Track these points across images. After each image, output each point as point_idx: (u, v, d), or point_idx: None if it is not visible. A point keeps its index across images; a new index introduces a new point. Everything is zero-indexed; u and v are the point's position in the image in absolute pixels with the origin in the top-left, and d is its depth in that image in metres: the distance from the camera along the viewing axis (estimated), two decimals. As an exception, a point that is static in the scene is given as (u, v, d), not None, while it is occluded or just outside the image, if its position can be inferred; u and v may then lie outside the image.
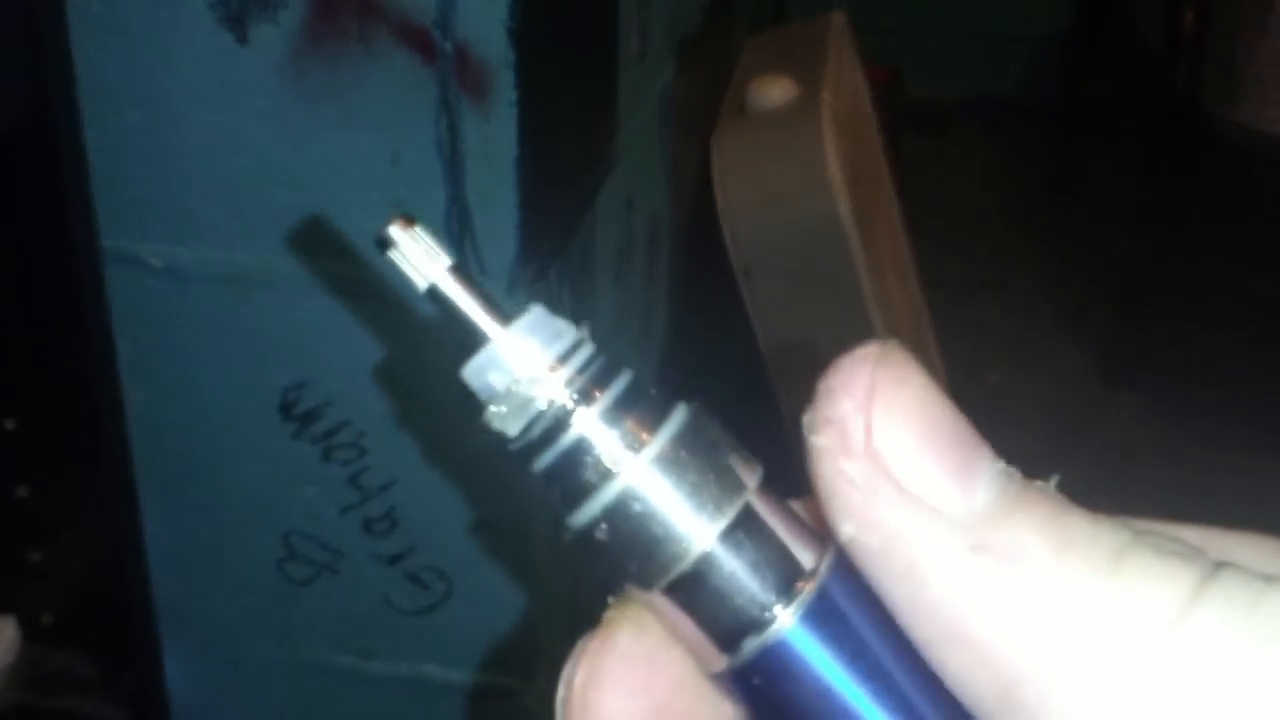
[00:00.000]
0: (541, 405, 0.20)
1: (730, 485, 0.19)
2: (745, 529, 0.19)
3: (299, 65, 0.76)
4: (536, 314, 0.20)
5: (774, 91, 1.29)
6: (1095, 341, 2.21)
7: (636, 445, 0.19)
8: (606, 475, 0.19)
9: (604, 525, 0.19)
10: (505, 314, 0.20)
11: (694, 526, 0.19)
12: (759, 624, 0.19)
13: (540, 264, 0.83)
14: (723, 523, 0.19)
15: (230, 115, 0.78)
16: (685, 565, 0.19)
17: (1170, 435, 1.94)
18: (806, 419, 0.18)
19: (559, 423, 0.20)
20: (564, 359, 0.20)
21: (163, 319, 0.84)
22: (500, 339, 0.20)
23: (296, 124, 0.77)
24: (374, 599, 0.88)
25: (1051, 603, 0.16)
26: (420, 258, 0.20)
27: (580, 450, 0.19)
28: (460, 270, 0.20)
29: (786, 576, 0.19)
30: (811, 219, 1.23)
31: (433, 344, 0.82)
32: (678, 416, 0.20)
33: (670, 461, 0.19)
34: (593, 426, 0.19)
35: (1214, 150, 2.09)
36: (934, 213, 2.48)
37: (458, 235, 0.79)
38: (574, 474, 0.20)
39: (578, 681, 0.19)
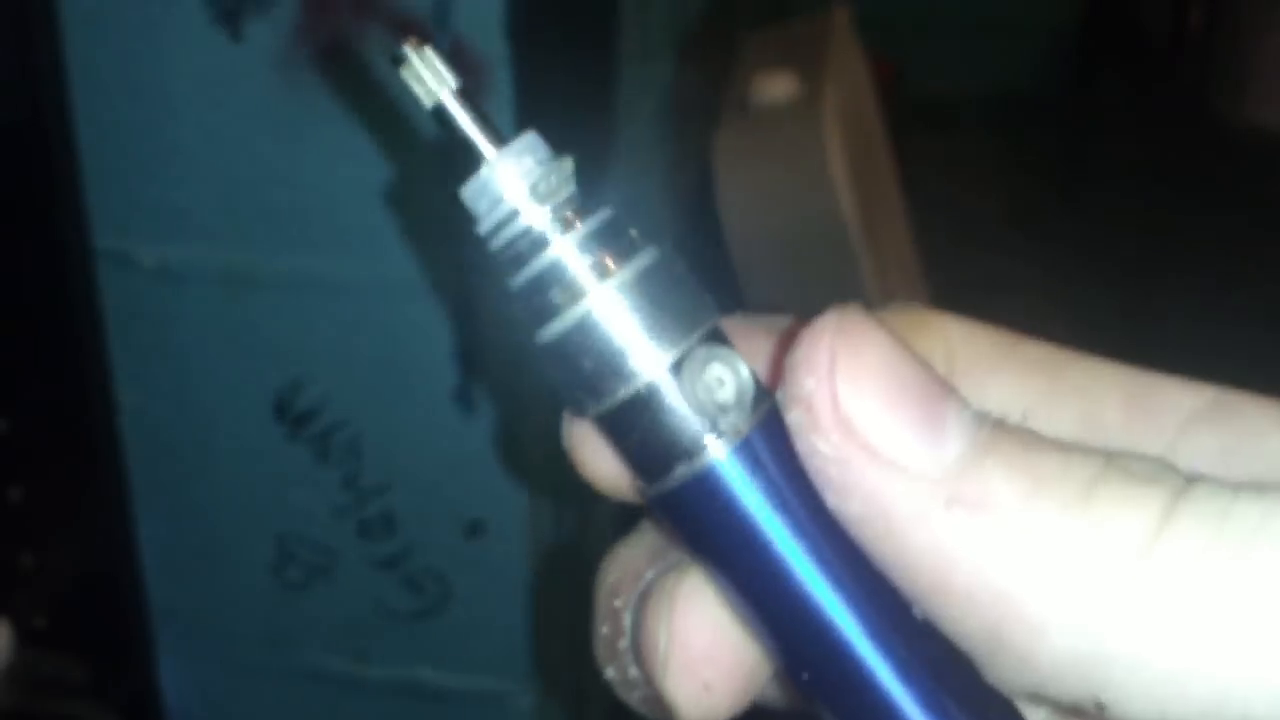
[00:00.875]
0: (521, 227, 0.21)
1: (685, 323, 0.21)
2: (692, 366, 0.20)
3: (293, 62, 0.76)
4: (530, 140, 0.22)
5: (776, 88, 1.28)
6: (1101, 338, 2.19)
7: (604, 273, 0.21)
8: (572, 297, 0.21)
9: (567, 343, 0.21)
10: (502, 138, 0.22)
11: (647, 355, 0.21)
12: (690, 453, 0.20)
13: (537, 263, 0.83)
14: (673, 355, 0.21)
15: (224, 112, 0.77)
16: (636, 387, 0.20)
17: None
18: (779, 395, 0.19)
19: (536, 245, 0.21)
20: (550, 185, 0.22)
21: (155, 319, 0.83)
22: (494, 161, 0.21)
23: (291, 121, 0.77)
24: (369, 603, 0.87)
25: (1026, 545, 0.16)
26: (429, 78, 0.21)
27: (552, 272, 0.21)
28: (465, 93, 0.21)
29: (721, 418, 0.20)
30: (814, 217, 1.22)
31: (431, 344, 0.81)
32: (648, 253, 0.22)
33: (633, 292, 0.21)
34: (567, 251, 0.21)
35: (1221, 146, 2.08)
36: (938, 210, 2.47)
37: (454, 233, 0.78)
38: (544, 294, 0.21)
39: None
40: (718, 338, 0.21)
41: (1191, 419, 0.22)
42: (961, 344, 0.23)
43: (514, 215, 0.21)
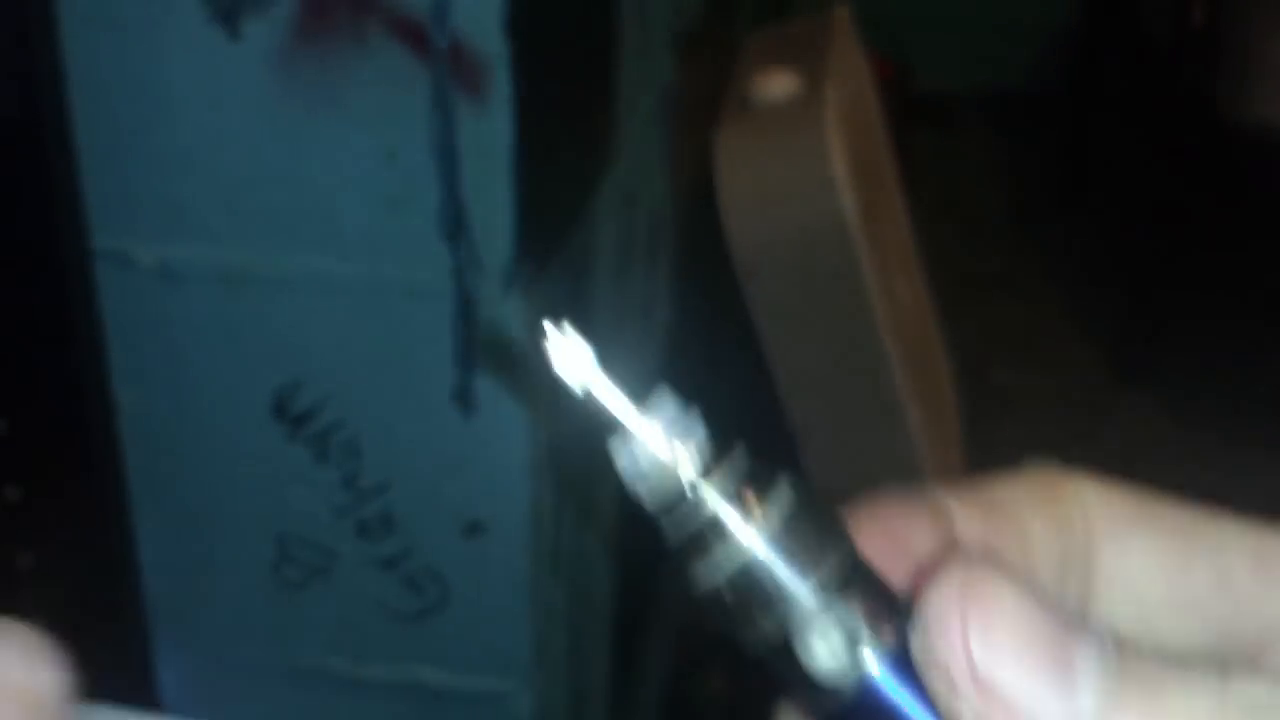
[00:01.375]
0: (676, 486, 0.23)
1: (830, 554, 0.23)
2: (841, 591, 0.22)
3: (291, 61, 0.76)
4: (664, 398, 0.23)
5: (777, 86, 1.27)
6: (1105, 338, 2.19)
7: (751, 518, 0.23)
8: (729, 547, 0.23)
9: (727, 590, 0.23)
10: (640, 400, 0.23)
11: (799, 591, 0.22)
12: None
13: (538, 261, 0.82)
14: (824, 590, 0.22)
15: (222, 111, 0.77)
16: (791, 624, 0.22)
17: (1181, 432, 1.92)
18: (915, 651, 0.20)
19: (689, 501, 0.23)
20: (691, 443, 0.23)
21: (154, 318, 0.83)
22: (639, 427, 0.23)
23: (289, 120, 0.77)
24: (369, 603, 0.87)
25: None
26: (572, 361, 0.24)
27: (707, 525, 0.23)
28: (600, 367, 0.24)
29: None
30: (815, 215, 1.22)
31: (431, 343, 0.81)
32: (784, 490, 0.23)
33: (780, 534, 0.23)
34: (718, 504, 0.23)
35: (1224, 144, 2.08)
36: (940, 208, 2.46)
37: (453, 233, 0.78)
38: (702, 545, 0.23)
39: None
40: (853, 567, 0.23)
41: None
42: (1098, 507, 0.24)
43: (667, 479, 0.23)
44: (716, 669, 1.36)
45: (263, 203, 0.79)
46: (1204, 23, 2.04)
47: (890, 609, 0.22)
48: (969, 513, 0.24)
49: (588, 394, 0.23)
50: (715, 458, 0.23)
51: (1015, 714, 0.19)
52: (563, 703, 0.96)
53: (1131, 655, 0.19)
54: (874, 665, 0.21)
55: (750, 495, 0.23)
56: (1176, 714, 0.18)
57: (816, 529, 0.23)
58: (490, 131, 0.75)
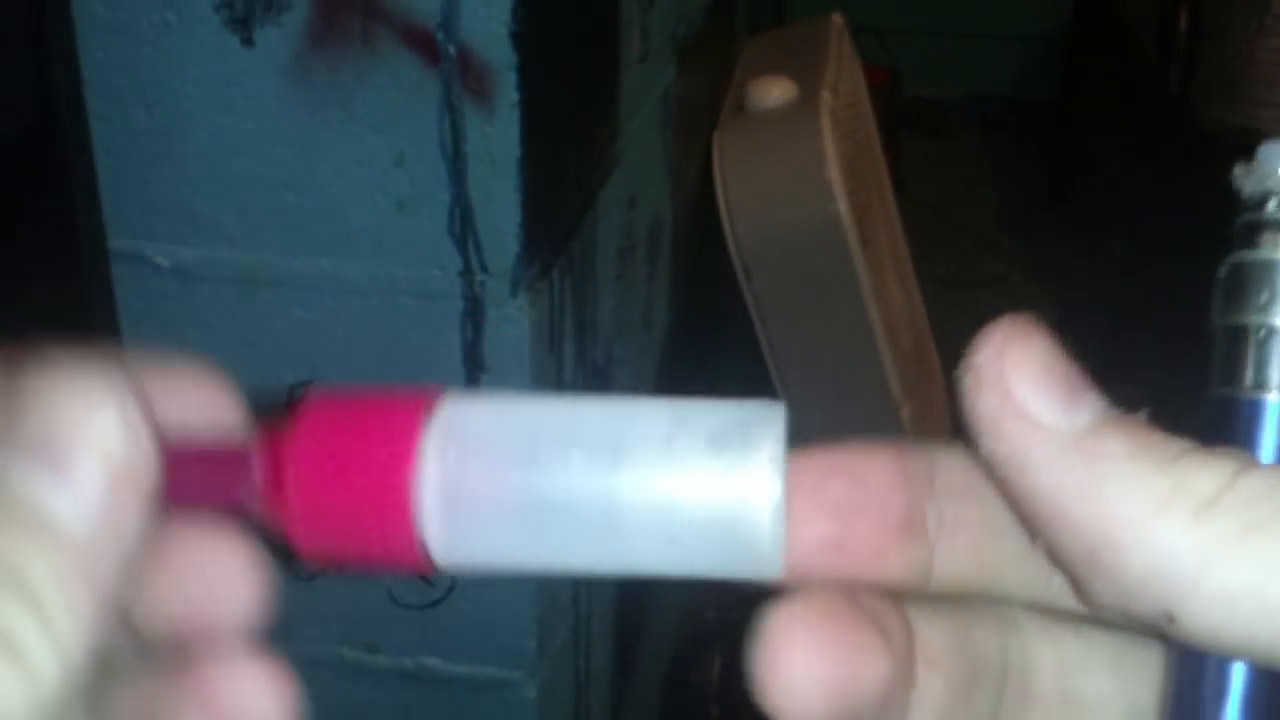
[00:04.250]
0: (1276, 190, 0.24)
1: None
2: None
3: (304, 67, 0.77)
4: None
5: (774, 92, 1.29)
6: (1092, 339, 2.21)
7: None
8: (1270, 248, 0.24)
9: (1234, 270, 0.24)
10: None
11: None
12: None
13: (542, 263, 0.84)
14: None
15: (236, 117, 0.78)
16: None
17: (1169, 432, 1.94)
18: (958, 372, 0.23)
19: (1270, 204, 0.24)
20: None
21: (170, 318, 0.84)
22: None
23: (301, 125, 0.78)
24: (378, 593, 0.88)
25: (1124, 488, 0.21)
26: None
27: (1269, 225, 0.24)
28: None
29: None
30: (811, 218, 1.24)
31: (441, 344, 0.82)
32: None
33: None
34: None
35: (1209, 149, 2.10)
36: (932, 211, 2.49)
37: (460, 235, 0.79)
38: (1250, 237, 0.24)
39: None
40: None
41: None
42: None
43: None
44: (716, 657, 1.38)
45: (275, 205, 0.80)
46: (1189, 27, 2.06)
47: None
48: (949, 478, 0.26)
49: None
50: None
51: (1024, 413, 0.22)
52: (566, 690, 0.97)
53: (1129, 416, 0.23)
54: None
55: None
56: (1152, 439, 0.22)
57: None
58: (497, 137, 0.76)
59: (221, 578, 0.26)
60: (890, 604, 0.24)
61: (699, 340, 1.42)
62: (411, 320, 0.82)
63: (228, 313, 0.83)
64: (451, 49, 0.75)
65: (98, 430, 0.21)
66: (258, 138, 0.79)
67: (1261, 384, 0.23)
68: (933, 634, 0.24)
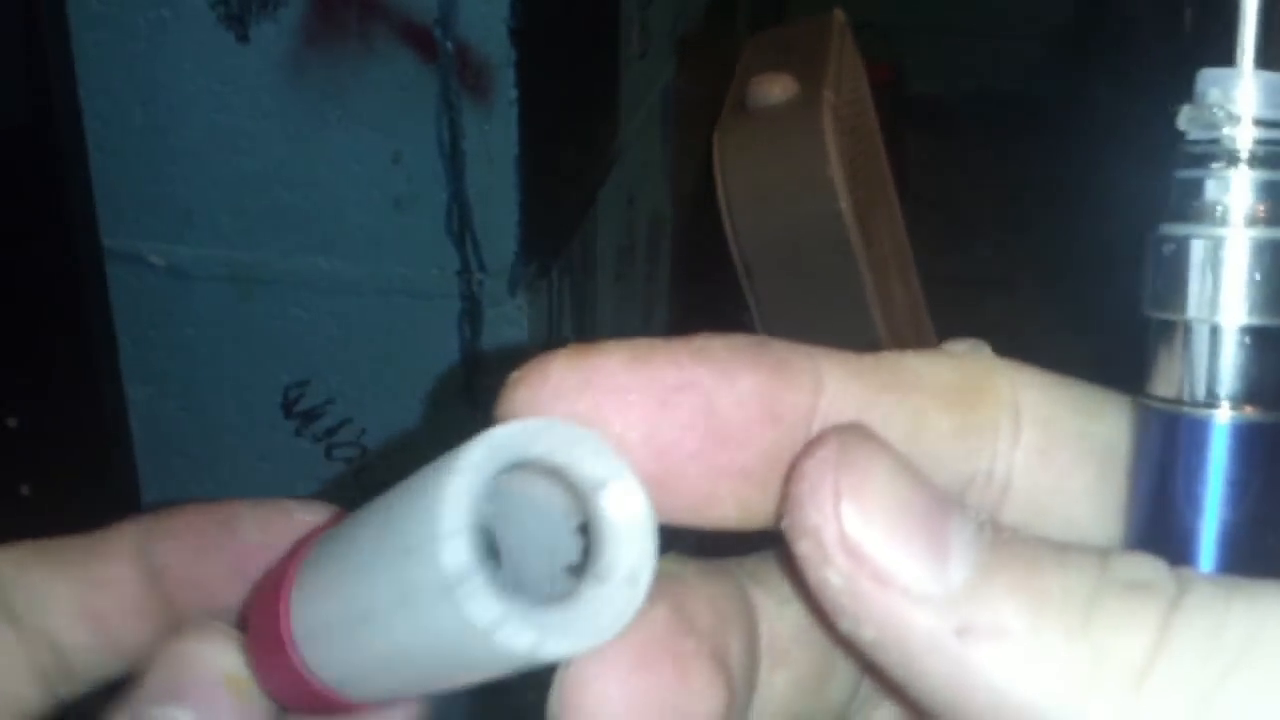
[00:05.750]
0: (1226, 136, 0.20)
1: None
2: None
3: (300, 64, 0.77)
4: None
5: (775, 89, 1.29)
6: (1097, 337, 2.21)
7: (1253, 220, 0.20)
8: (1213, 221, 0.20)
9: (1168, 248, 0.20)
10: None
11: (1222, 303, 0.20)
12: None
13: (541, 262, 0.84)
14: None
15: (231, 114, 0.78)
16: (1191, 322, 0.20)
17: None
18: (785, 527, 0.19)
19: (1223, 159, 0.20)
20: (1272, 124, 0.20)
21: (164, 317, 0.84)
22: (1246, 77, 0.20)
23: (297, 122, 0.78)
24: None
25: (1037, 672, 0.17)
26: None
27: (1213, 190, 0.20)
28: None
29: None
30: (813, 216, 1.23)
31: (437, 342, 0.82)
32: None
33: (1261, 253, 0.20)
34: (1241, 182, 0.20)
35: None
36: (935, 209, 2.48)
37: (458, 234, 0.79)
38: (1193, 202, 0.20)
39: None
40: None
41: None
42: (1035, 420, 0.22)
43: (1233, 122, 0.20)
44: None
45: (271, 204, 0.80)
46: (1194, 24, 2.06)
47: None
48: (843, 388, 0.21)
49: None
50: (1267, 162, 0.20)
51: (884, 582, 0.18)
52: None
53: (1008, 534, 0.18)
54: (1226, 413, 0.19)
55: (1264, 208, 0.20)
56: (1050, 590, 0.18)
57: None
58: (495, 134, 0.76)
59: None
60: (733, 601, 0.20)
61: (700, 339, 1.41)
62: (409, 319, 0.82)
63: (223, 312, 0.83)
64: (449, 46, 0.75)
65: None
66: (253, 135, 0.78)
67: (1210, 399, 0.19)
68: (784, 622, 0.21)
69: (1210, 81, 0.21)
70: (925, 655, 0.18)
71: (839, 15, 1.54)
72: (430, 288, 0.80)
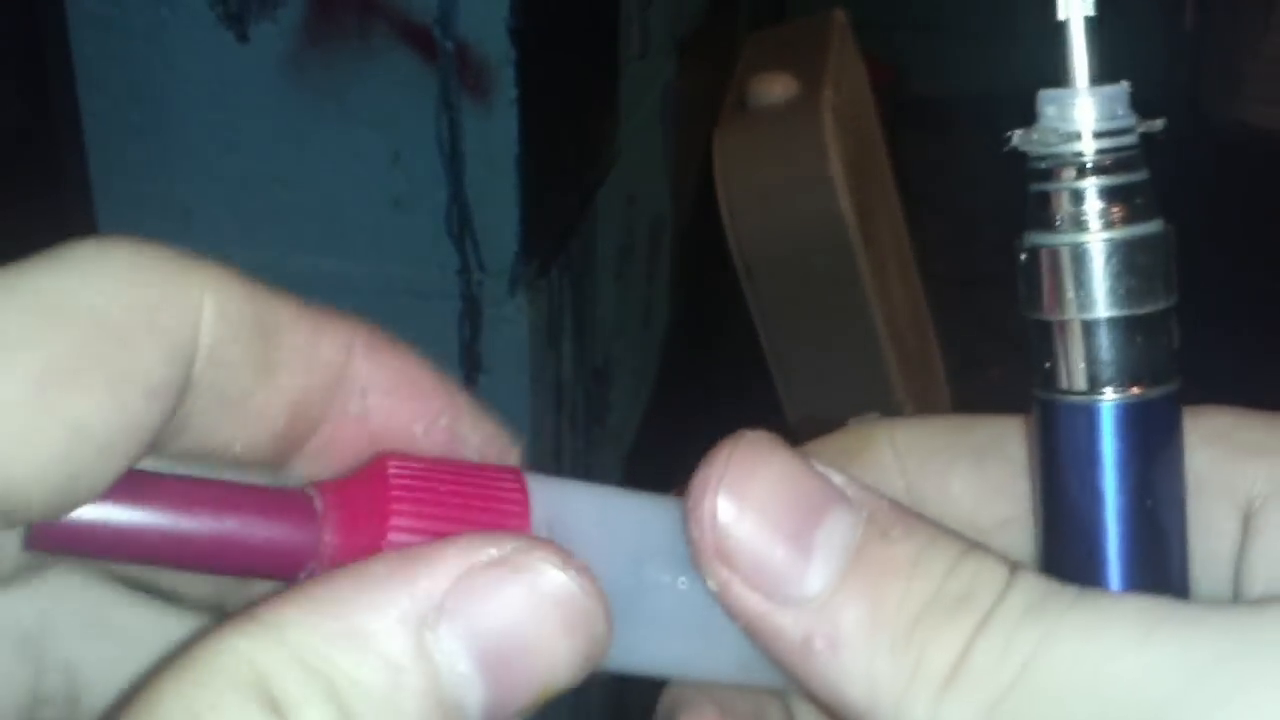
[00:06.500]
0: (1070, 150, 0.22)
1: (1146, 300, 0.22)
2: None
3: (299, 63, 0.77)
4: (1119, 92, 0.22)
5: (775, 88, 1.29)
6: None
7: (1104, 223, 0.22)
8: (1068, 228, 0.22)
9: (1034, 257, 0.22)
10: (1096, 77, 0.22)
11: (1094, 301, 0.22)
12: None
13: (541, 261, 0.84)
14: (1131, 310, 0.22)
15: (230, 113, 0.78)
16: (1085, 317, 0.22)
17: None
18: (687, 509, 0.21)
19: (1069, 169, 0.22)
20: (1108, 134, 0.22)
21: (163, 317, 0.84)
22: (1081, 94, 0.22)
23: (297, 122, 0.78)
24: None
25: (865, 684, 0.19)
26: None
27: (1071, 197, 0.22)
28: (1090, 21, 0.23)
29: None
30: (813, 215, 1.23)
31: (437, 343, 0.82)
32: (1151, 226, 0.22)
33: (1114, 253, 0.22)
34: (1088, 187, 0.22)
35: (1215, 146, 2.09)
36: (935, 208, 2.48)
37: (458, 234, 0.79)
38: (1050, 211, 0.22)
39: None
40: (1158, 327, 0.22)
41: None
42: (913, 448, 0.25)
43: (1071, 139, 0.22)
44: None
45: (270, 203, 0.80)
46: (1196, 24, 2.06)
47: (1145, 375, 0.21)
48: None
49: (1065, 29, 0.23)
50: (1121, 166, 0.22)
51: (749, 589, 0.20)
52: (563, 694, 0.96)
53: (885, 526, 0.20)
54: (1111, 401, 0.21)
55: (1118, 210, 0.22)
56: (889, 602, 0.19)
57: (1146, 279, 0.22)
58: (495, 133, 0.76)
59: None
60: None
61: (699, 340, 1.41)
62: (408, 320, 0.82)
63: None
64: (449, 45, 0.75)
65: (552, 660, 0.20)
66: (252, 135, 0.78)
67: (1090, 386, 0.21)
68: None
69: (1047, 101, 0.23)
70: (783, 655, 0.20)
71: (839, 15, 1.54)
72: (430, 288, 0.80)
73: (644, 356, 1.21)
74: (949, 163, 2.89)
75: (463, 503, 0.21)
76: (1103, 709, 0.18)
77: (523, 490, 0.21)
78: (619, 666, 0.22)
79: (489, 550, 0.19)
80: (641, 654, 0.22)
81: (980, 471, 0.25)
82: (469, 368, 0.82)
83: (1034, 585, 0.19)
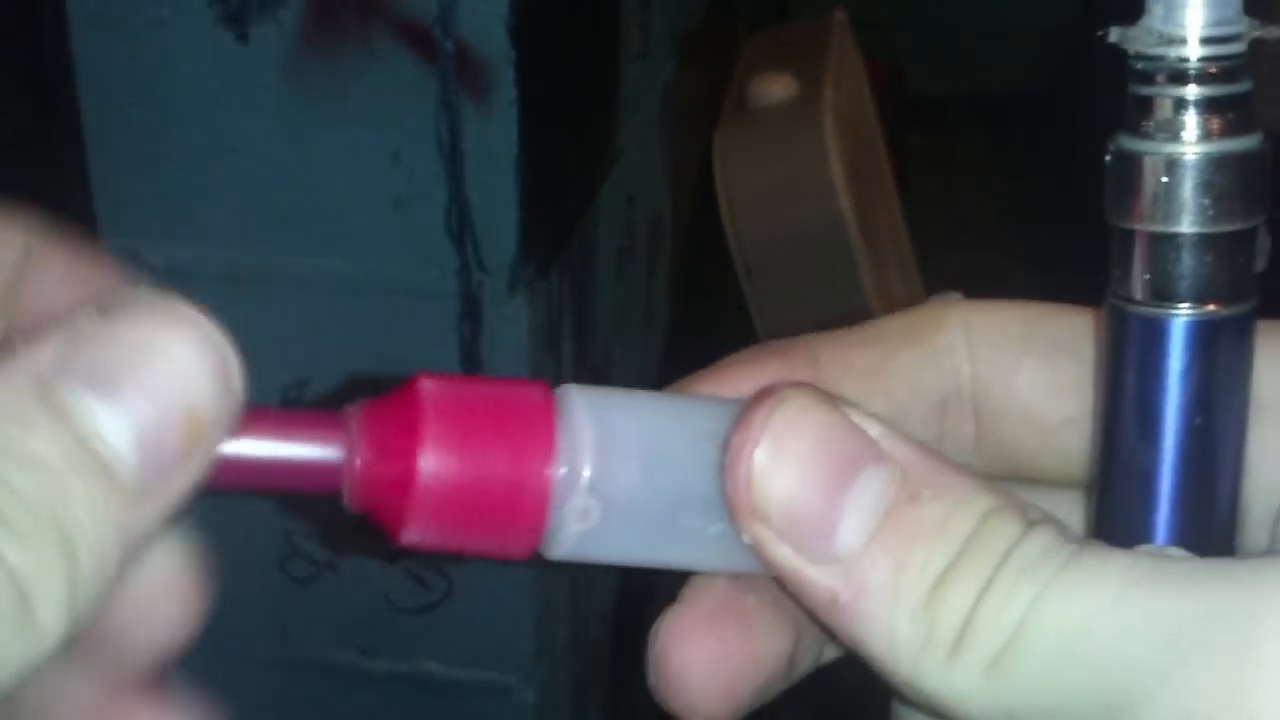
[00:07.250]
0: (1170, 53, 0.21)
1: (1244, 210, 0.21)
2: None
3: (299, 64, 0.77)
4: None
5: (775, 89, 1.29)
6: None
7: (1200, 135, 0.21)
8: (1161, 137, 0.21)
9: (1122, 161, 0.22)
10: None
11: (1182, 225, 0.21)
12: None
13: (541, 261, 0.84)
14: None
15: (231, 114, 0.78)
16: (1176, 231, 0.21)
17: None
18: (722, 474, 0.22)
19: (1172, 77, 0.21)
20: (1215, 41, 0.21)
21: (164, 317, 0.84)
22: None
23: (297, 122, 0.78)
24: (375, 597, 0.88)
25: (887, 644, 0.20)
26: None
27: (1169, 107, 0.21)
28: None
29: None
30: (813, 216, 1.23)
31: (436, 343, 0.82)
32: (1248, 142, 0.21)
33: (1206, 167, 0.21)
34: (1189, 95, 0.21)
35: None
36: (935, 208, 2.48)
37: (458, 234, 0.79)
38: (1149, 118, 0.21)
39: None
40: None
41: None
42: (985, 333, 0.25)
43: (1175, 42, 0.21)
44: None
45: (270, 203, 0.80)
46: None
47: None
48: (832, 355, 0.25)
49: None
50: (1225, 76, 0.21)
51: (780, 546, 0.21)
52: (565, 694, 0.97)
53: (907, 501, 0.21)
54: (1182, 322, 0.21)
55: (1216, 122, 0.21)
56: (912, 565, 0.20)
57: (1235, 196, 0.21)
58: (495, 133, 0.76)
59: (162, 594, 0.23)
60: None
61: (699, 340, 1.41)
62: (408, 320, 0.82)
63: (222, 312, 0.82)
64: (449, 45, 0.75)
65: (176, 368, 0.18)
66: (253, 135, 0.78)
67: (1166, 296, 0.21)
68: None
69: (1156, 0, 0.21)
70: (813, 607, 0.21)
71: (839, 15, 1.54)
72: (430, 288, 0.80)
73: (644, 356, 1.22)
74: (950, 162, 2.89)
75: (493, 421, 0.21)
76: (1082, 669, 0.18)
77: (551, 411, 0.22)
78: (655, 559, 0.24)
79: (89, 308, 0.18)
80: (681, 543, 0.23)
81: (1049, 367, 0.25)
82: (469, 368, 0.82)
83: (1037, 543, 0.20)
